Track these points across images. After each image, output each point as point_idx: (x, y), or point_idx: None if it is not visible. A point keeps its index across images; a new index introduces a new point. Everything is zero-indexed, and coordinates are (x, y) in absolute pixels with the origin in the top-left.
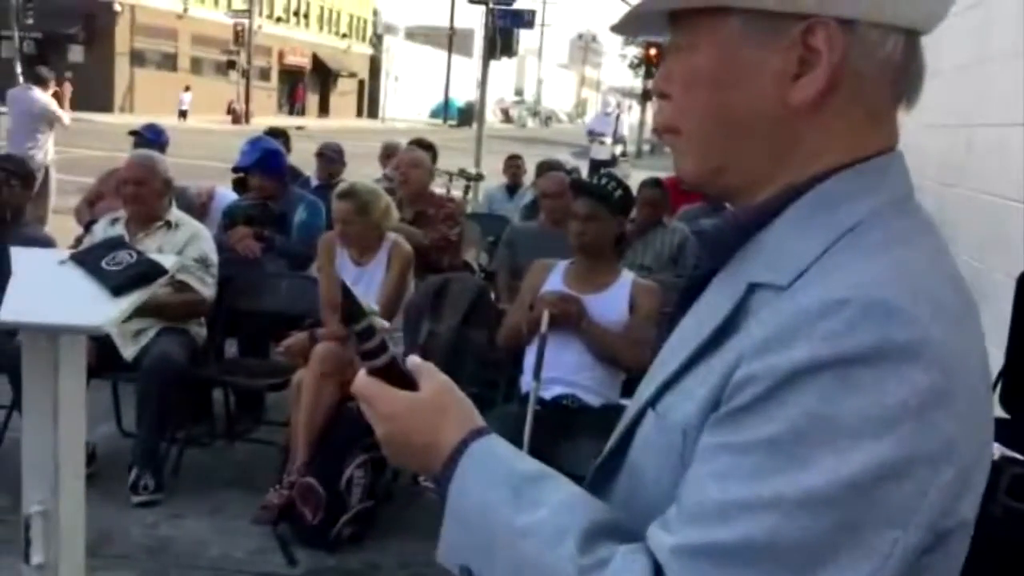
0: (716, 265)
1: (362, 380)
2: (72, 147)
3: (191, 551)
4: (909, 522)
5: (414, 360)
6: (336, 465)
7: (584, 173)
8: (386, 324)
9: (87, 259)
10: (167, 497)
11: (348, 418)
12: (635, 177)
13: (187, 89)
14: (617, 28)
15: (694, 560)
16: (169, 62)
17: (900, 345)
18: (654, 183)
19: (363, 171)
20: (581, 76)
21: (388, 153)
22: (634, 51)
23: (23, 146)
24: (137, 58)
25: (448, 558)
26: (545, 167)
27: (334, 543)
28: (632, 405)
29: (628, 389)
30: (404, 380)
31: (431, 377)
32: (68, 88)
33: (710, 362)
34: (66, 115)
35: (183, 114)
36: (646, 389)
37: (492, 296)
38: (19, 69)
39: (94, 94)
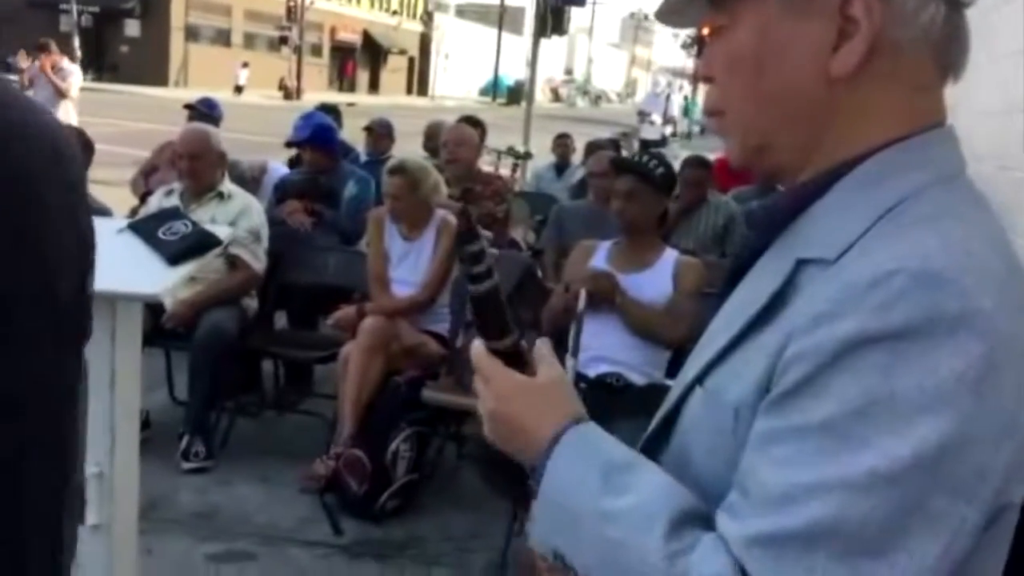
0: (764, 243)
1: (481, 355)
2: (127, 120)
3: (239, 517)
4: (975, 497)
5: (541, 348)
6: (382, 438)
7: (634, 152)
8: (496, 252)
9: (144, 228)
10: (217, 464)
11: (395, 392)
12: (685, 158)
13: (245, 65)
14: (660, 16)
15: (766, 550)
16: (223, 37)
17: (952, 315)
18: (697, 162)
19: (411, 148)
20: (632, 55)
21: (431, 134)
22: (686, 30)
23: None
24: (191, 33)
25: (540, 541)
26: (594, 147)
27: (379, 514)
28: (678, 382)
29: (672, 369)
30: (510, 342)
31: (549, 367)
32: (55, 59)
33: (759, 339)
34: (61, 82)
35: (239, 89)
36: (693, 366)
37: (539, 274)
38: (76, 43)
39: (149, 68)
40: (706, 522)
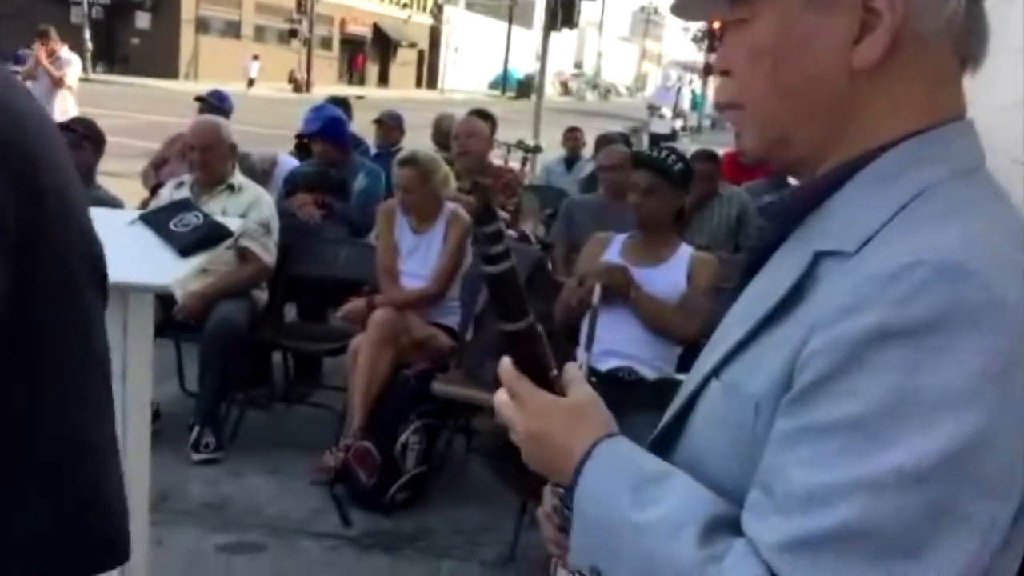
0: (781, 235)
1: (510, 372)
2: (137, 112)
3: (250, 509)
4: (1003, 493)
5: (570, 369)
6: (391, 430)
7: (644, 146)
8: (514, 234)
9: (155, 220)
10: (227, 456)
11: (404, 384)
12: (692, 152)
13: (255, 58)
14: (676, 9)
15: (798, 555)
16: (233, 30)
17: (974, 307)
18: (705, 156)
19: (421, 141)
20: (642, 49)
21: (440, 127)
22: (697, 24)
23: None
24: (202, 25)
25: (578, 559)
26: (605, 140)
27: (388, 506)
28: (693, 376)
29: (684, 363)
30: (535, 342)
31: (579, 385)
32: (51, 48)
33: (778, 332)
34: (56, 71)
35: (251, 82)
36: (708, 359)
37: (549, 268)
38: (87, 35)
39: (159, 61)
40: (737, 528)
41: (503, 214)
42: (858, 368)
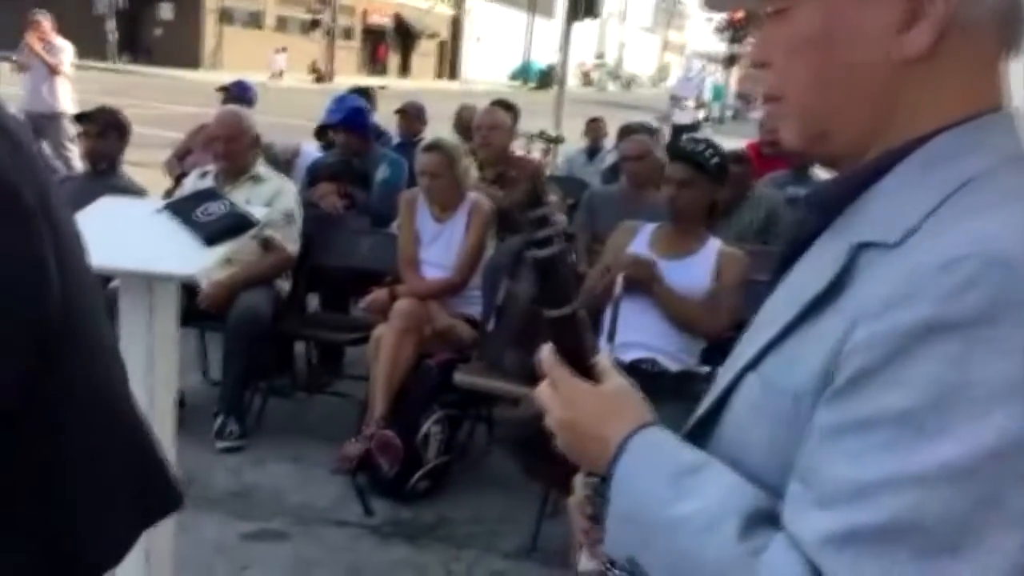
0: (820, 226)
1: (550, 361)
2: (161, 103)
3: (273, 497)
4: None
5: (601, 361)
6: (413, 420)
7: (666, 138)
8: (564, 219)
9: (181, 209)
10: (250, 444)
11: (426, 374)
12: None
13: (283, 50)
14: (711, 2)
15: (841, 549)
16: (255, 20)
17: None
18: (736, 158)
19: (443, 131)
20: (664, 40)
21: (462, 119)
22: (720, 14)
23: (35, 97)
24: (225, 16)
25: (614, 550)
26: (627, 130)
27: (409, 496)
28: (728, 368)
29: (707, 356)
30: (577, 332)
31: (614, 376)
32: (43, 32)
33: (818, 324)
34: (51, 58)
35: (280, 74)
36: (745, 352)
37: (573, 258)
38: (111, 25)
39: (183, 51)
40: (777, 521)
41: (553, 198)
42: (906, 361)
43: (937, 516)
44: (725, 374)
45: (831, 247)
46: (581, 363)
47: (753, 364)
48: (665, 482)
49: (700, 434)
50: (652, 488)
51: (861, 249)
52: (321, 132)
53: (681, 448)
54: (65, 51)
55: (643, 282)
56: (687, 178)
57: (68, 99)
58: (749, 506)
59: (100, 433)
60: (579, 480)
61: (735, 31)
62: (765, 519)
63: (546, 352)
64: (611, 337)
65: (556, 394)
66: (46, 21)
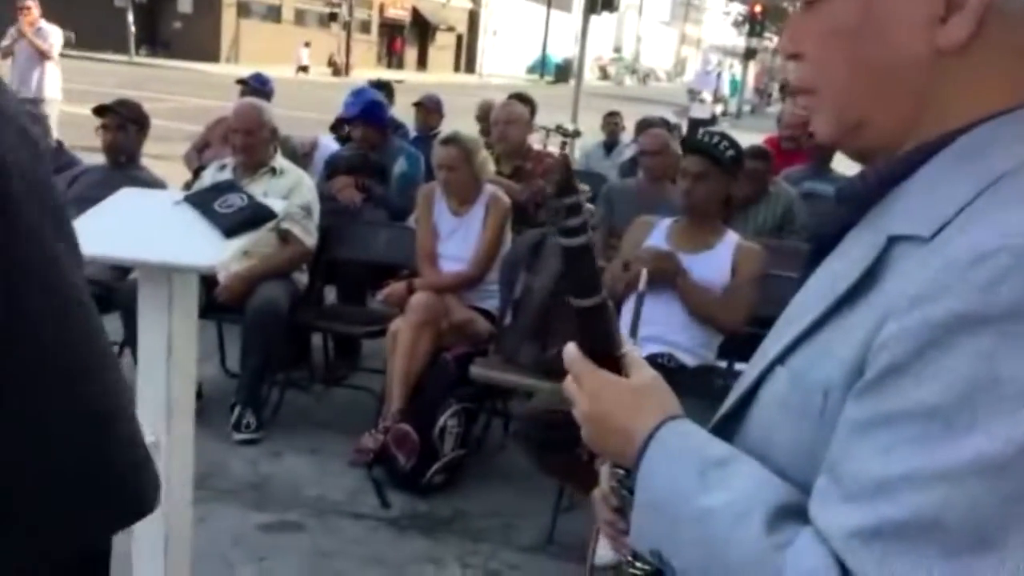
0: (852, 219)
1: (574, 355)
2: (180, 96)
3: (290, 489)
4: None
5: (632, 355)
6: (430, 413)
7: (684, 132)
8: (592, 208)
9: (200, 201)
10: (268, 436)
11: (443, 367)
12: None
13: (307, 44)
14: None
15: (868, 544)
16: (273, 13)
17: None
18: (756, 153)
19: (459, 125)
20: (682, 33)
21: (486, 114)
22: (738, 7)
23: (24, 84)
24: (243, 9)
25: (639, 542)
26: (645, 124)
27: (426, 489)
28: (756, 361)
29: (724, 351)
30: (604, 321)
31: (641, 368)
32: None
33: (849, 318)
34: (42, 43)
35: (304, 69)
36: (773, 346)
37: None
38: (131, 18)
39: (201, 44)
40: (805, 515)
41: (584, 187)
42: (937, 355)
43: (966, 512)
44: (752, 368)
45: (863, 240)
46: (609, 353)
47: (782, 358)
48: (692, 475)
49: (726, 428)
50: (679, 481)
51: (894, 242)
52: (336, 126)
53: (709, 441)
54: (54, 35)
55: (667, 276)
56: (702, 171)
57: (56, 86)
58: (776, 500)
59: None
60: (604, 472)
61: (753, 25)
62: (792, 513)
63: (571, 346)
64: (634, 332)
65: (583, 386)
66: (35, 7)
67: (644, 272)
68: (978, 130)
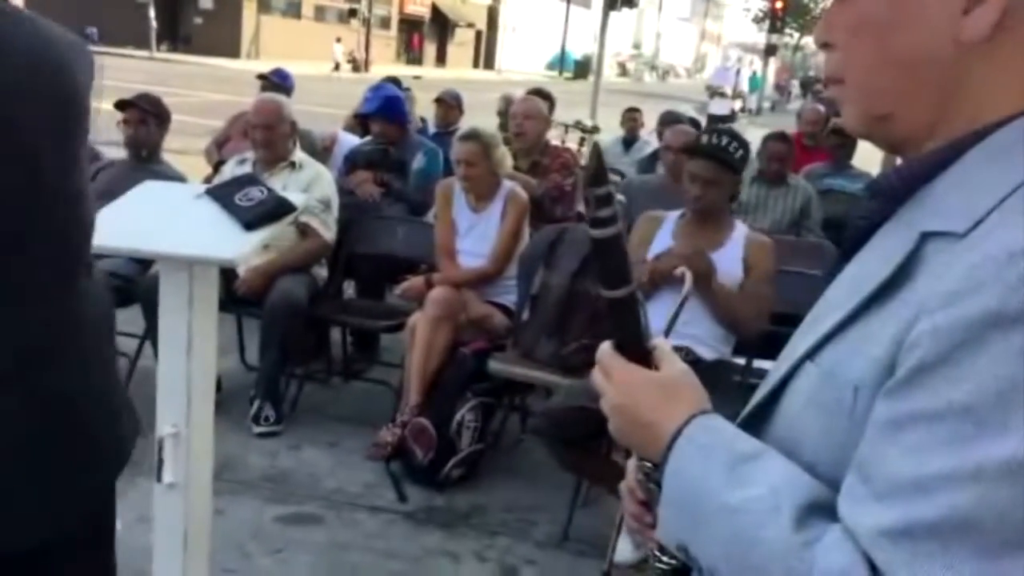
0: (884, 215)
1: (605, 351)
2: (200, 91)
3: (308, 482)
4: None
5: (661, 346)
6: (448, 408)
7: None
8: (622, 198)
9: (221, 194)
10: (286, 429)
11: (461, 362)
12: (752, 135)
13: (338, 40)
14: None
15: (897, 543)
16: (293, 9)
17: None
18: (780, 136)
19: (478, 121)
20: (701, 30)
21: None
22: (759, 3)
23: None
24: (263, 5)
25: (666, 536)
26: (669, 119)
27: (443, 483)
28: (785, 358)
29: (740, 346)
30: (632, 313)
31: (672, 362)
32: None
33: (881, 314)
34: None
35: (337, 66)
36: (802, 342)
37: None
38: (152, 14)
39: (222, 40)
40: (834, 513)
41: (614, 178)
42: (969, 353)
43: (996, 513)
44: (781, 364)
45: (896, 236)
46: (639, 344)
47: (812, 354)
48: (720, 469)
49: (755, 424)
50: (707, 475)
51: (927, 238)
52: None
53: (737, 437)
54: None
55: (701, 275)
56: (712, 177)
57: None
58: (805, 496)
59: None
60: (632, 465)
61: (774, 21)
62: (820, 510)
63: (604, 347)
64: (668, 332)
65: (612, 379)
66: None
67: (689, 275)
68: (1012, 126)
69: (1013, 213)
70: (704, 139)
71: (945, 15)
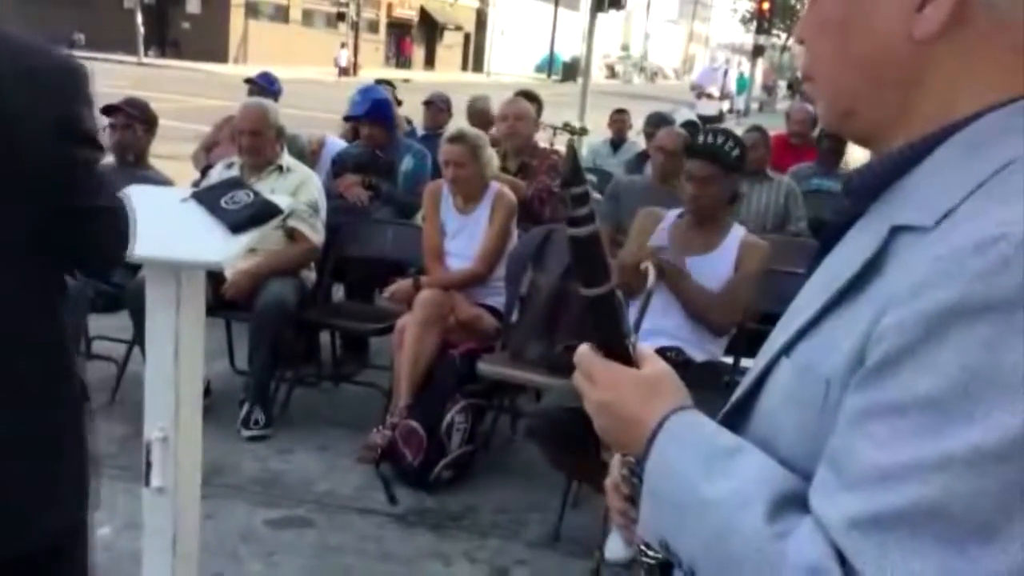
0: (858, 211)
1: (584, 352)
2: (188, 96)
3: (299, 485)
4: None
5: (642, 348)
6: (437, 409)
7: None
8: (598, 196)
9: (207, 198)
10: (276, 433)
11: (450, 364)
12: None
13: (343, 46)
14: None
15: (865, 533)
16: (281, 14)
17: None
18: (753, 128)
19: (467, 124)
20: (689, 31)
21: (476, 109)
22: (746, 5)
23: None
24: (251, 9)
25: (647, 531)
26: (656, 118)
27: (433, 485)
28: (763, 354)
29: (733, 347)
30: (614, 313)
31: (653, 361)
32: None
33: (852, 309)
34: None
35: (344, 71)
36: (779, 337)
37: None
38: (139, 19)
39: (209, 45)
40: (807, 505)
41: (591, 177)
42: (935, 344)
43: (964, 501)
44: (759, 360)
45: (868, 231)
46: (618, 342)
47: (787, 349)
48: (698, 464)
49: (734, 420)
50: (685, 469)
51: (897, 232)
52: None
53: (717, 432)
54: None
55: (669, 276)
56: (708, 175)
57: None
58: (778, 489)
59: None
60: (615, 461)
61: (760, 22)
62: (794, 503)
63: (583, 348)
64: (636, 328)
65: (594, 377)
66: None
67: (653, 271)
68: (981, 121)
69: (980, 205)
70: (700, 138)
71: (898, 12)
